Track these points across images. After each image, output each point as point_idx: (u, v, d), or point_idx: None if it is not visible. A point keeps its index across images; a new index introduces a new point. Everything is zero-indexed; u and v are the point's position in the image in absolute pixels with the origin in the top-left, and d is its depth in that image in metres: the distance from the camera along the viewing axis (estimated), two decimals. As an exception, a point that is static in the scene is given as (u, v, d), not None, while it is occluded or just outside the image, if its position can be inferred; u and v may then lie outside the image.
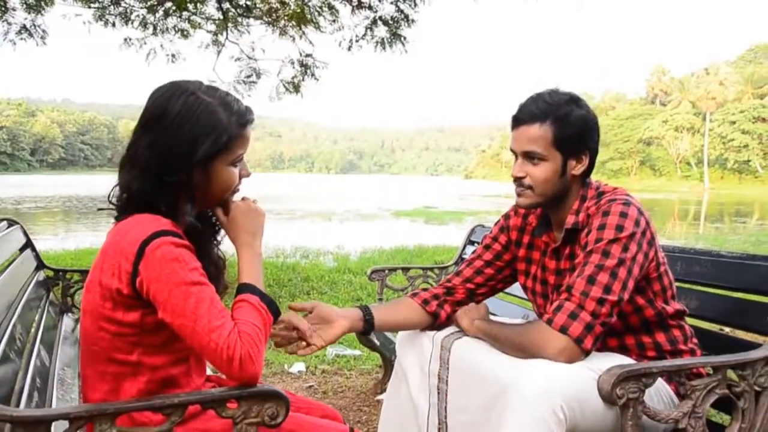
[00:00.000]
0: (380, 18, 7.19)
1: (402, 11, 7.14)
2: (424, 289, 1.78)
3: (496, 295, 1.85)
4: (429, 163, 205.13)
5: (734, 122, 62.87)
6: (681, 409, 1.33)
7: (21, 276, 2.13)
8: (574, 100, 1.51)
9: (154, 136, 1.17)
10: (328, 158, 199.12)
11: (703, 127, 65.17)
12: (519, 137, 1.52)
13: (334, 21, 7.28)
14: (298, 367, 3.43)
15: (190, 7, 7.10)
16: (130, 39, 7.52)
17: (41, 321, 2.08)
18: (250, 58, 7.86)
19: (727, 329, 2.42)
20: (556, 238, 1.61)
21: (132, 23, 7.32)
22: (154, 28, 7.41)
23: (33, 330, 1.93)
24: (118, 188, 1.22)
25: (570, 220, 1.53)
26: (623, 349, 1.53)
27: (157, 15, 7.31)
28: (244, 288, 1.18)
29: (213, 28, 7.73)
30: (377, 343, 2.74)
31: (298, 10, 6.88)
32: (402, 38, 7.25)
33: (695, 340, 1.59)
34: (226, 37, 7.63)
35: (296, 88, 7.75)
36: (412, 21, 7.19)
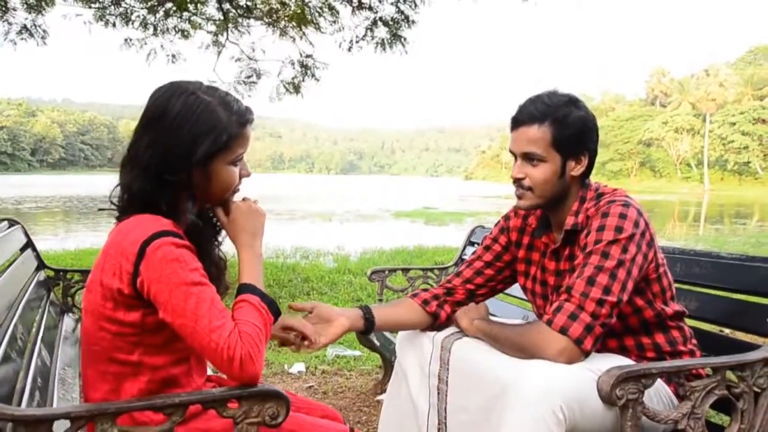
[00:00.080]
0: (380, 19, 7.19)
1: (402, 12, 7.14)
2: (424, 290, 1.78)
3: (496, 295, 1.86)
4: (429, 164, 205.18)
5: (734, 124, 62.85)
6: (680, 409, 1.33)
7: (22, 276, 2.14)
8: (572, 102, 1.51)
9: (155, 135, 1.17)
10: (329, 159, 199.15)
11: (703, 129, 65.15)
12: (518, 138, 1.53)
13: (334, 22, 7.29)
14: (298, 367, 3.43)
15: (191, 7, 7.10)
16: (131, 39, 7.53)
17: (42, 321, 2.08)
18: (250, 58, 7.86)
19: (726, 330, 2.43)
20: (555, 239, 1.61)
21: (132, 23, 7.32)
22: (155, 29, 7.42)
23: (34, 330, 1.93)
24: (119, 188, 1.22)
25: (569, 221, 1.53)
26: (623, 350, 1.53)
27: (158, 15, 7.31)
28: (244, 288, 1.19)
29: (213, 28, 7.74)
30: (377, 343, 2.74)
31: (299, 11, 6.88)
32: (402, 39, 7.26)
33: (695, 341, 1.59)
34: (227, 38, 7.64)
35: (296, 89, 7.75)
36: (413, 22, 7.20)
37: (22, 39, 6.96)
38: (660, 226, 17.85)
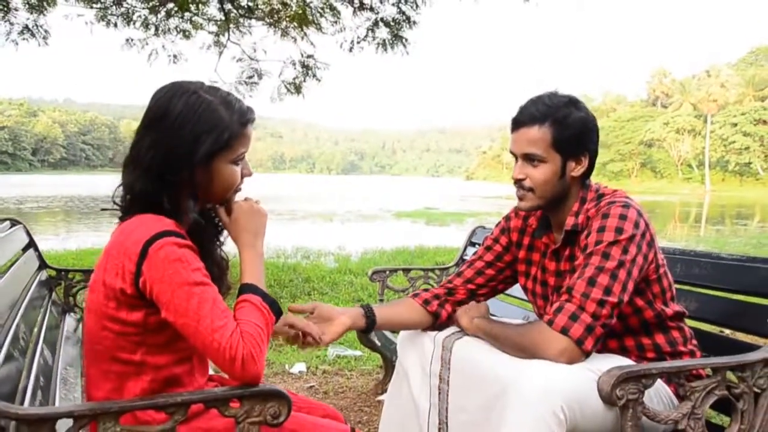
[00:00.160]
0: (382, 19, 7.20)
1: (403, 13, 7.15)
2: (425, 290, 1.79)
3: (496, 296, 1.86)
4: (430, 165, 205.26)
5: (735, 124, 62.83)
6: (680, 410, 1.34)
7: (24, 276, 2.14)
8: (573, 103, 1.52)
9: (157, 135, 1.18)
10: (330, 159, 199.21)
11: (704, 129, 65.09)
12: (518, 139, 1.53)
13: (335, 22, 7.30)
14: (299, 367, 3.43)
15: (192, 8, 7.11)
16: (132, 39, 7.54)
17: (44, 320, 2.09)
18: (251, 59, 7.88)
19: (727, 331, 2.43)
20: (555, 239, 1.62)
21: (134, 24, 7.33)
22: (156, 29, 7.43)
23: (36, 329, 1.94)
24: (121, 189, 1.23)
25: (569, 221, 1.54)
26: (623, 351, 1.53)
27: (159, 16, 7.32)
28: (246, 288, 1.19)
29: (215, 29, 7.75)
30: (378, 343, 2.75)
31: (300, 12, 6.89)
32: (403, 40, 7.27)
33: (695, 342, 1.60)
34: (228, 38, 7.65)
35: (298, 89, 7.76)
36: (414, 22, 7.21)
37: (23, 39, 6.98)
38: (661, 226, 17.84)
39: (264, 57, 7.89)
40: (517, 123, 1.54)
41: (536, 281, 1.68)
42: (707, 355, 1.62)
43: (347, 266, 7.16)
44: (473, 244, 3.16)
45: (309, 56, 7.70)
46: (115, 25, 7.30)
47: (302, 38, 7.45)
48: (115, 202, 1.24)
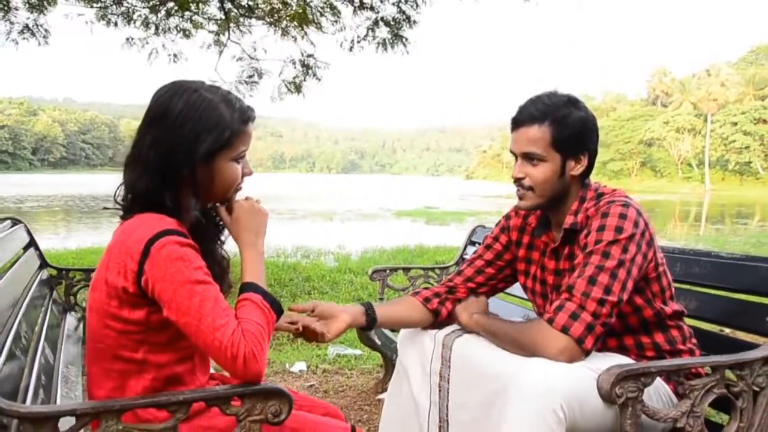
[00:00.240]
0: (382, 19, 7.20)
1: (404, 12, 7.15)
2: (426, 288, 1.79)
3: (496, 294, 1.86)
4: (430, 164, 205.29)
5: (735, 124, 62.78)
6: (680, 408, 1.34)
7: (25, 275, 2.15)
8: (572, 102, 1.52)
9: (158, 134, 1.18)
10: (330, 158, 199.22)
11: (704, 129, 65.07)
12: (518, 139, 1.54)
13: (335, 22, 7.29)
14: (300, 366, 3.44)
15: (192, 7, 7.11)
16: (132, 39, 7.53)
17: (45, 319, 2.09)
18: (251, 58, 7.87)
19: (726, 330, 2.43)
20: (555, 238, 1.62)
21: (134, 23, 7.33)
22: (156, 28, 7.42)
23: (37, 328, 1.94)
24: (122, 188, 1.23)
25: (568, 220, 1.54)
26: (622, 349, 1.54)
27: (159, 15, 7.32)
28: (247, 287, 1.19)
29: (215, 28, 7.74)
30: (378, 342, 2.75)
31: (300, 11, 6.89)
32: (403, 39, 7.26)
33: (694, 341, 1.60)
34: (228, 38, 7.64)
35: (298, 89, 7.76)
36: (414, 22, 7.20)
37: (23, 38, 6.98)
38: (661, 226, 17.84)
39: (264, 56, 7.90)
40: (517, 122, 1.54)
41: (536, 280, 1.68)
42: (706, 353, 1.63)
43: (347, 265, 7.16)
44: (473, 243, 3.17)
45: (309, 55, 7.70)
46: (116, 24, 7.30)
47: (302, 37, 7.45)
48: (116, 201, 1.24)
